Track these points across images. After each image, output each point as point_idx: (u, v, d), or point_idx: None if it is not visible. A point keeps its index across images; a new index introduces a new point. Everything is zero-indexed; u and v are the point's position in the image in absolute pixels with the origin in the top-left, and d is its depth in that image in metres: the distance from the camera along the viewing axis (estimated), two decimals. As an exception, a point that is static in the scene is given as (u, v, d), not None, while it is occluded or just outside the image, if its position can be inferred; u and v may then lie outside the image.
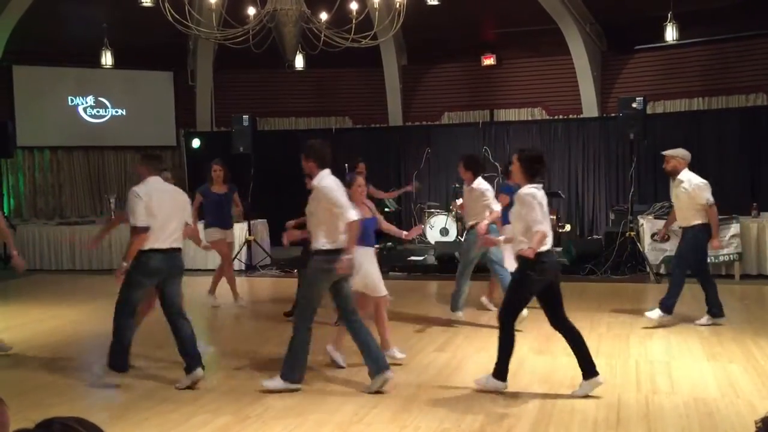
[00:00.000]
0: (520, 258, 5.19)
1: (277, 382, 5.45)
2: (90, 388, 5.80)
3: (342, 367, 6.01)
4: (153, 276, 5.68)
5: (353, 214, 5.40)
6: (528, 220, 5.13)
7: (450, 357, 6.31)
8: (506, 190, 8.06)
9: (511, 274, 5.44)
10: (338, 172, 14.99)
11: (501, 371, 5.35)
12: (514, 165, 5.37)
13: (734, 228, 9.90)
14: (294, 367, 5.48)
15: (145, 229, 5.53)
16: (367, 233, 6.11)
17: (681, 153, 7.33)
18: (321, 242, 5.45)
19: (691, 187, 7.17)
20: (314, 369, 6.09)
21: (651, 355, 6.31)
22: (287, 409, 5.11)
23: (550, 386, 5.49)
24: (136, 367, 6.32)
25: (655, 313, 7.23)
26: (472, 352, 6.21)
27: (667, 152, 7.41)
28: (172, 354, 6.60)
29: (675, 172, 7.27)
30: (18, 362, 6.49)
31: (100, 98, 14.82)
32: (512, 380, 5.64)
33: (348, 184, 6.07)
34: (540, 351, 6.52)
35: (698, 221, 7.17)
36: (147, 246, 5.58)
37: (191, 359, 5.65)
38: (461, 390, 5.45)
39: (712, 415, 4.79)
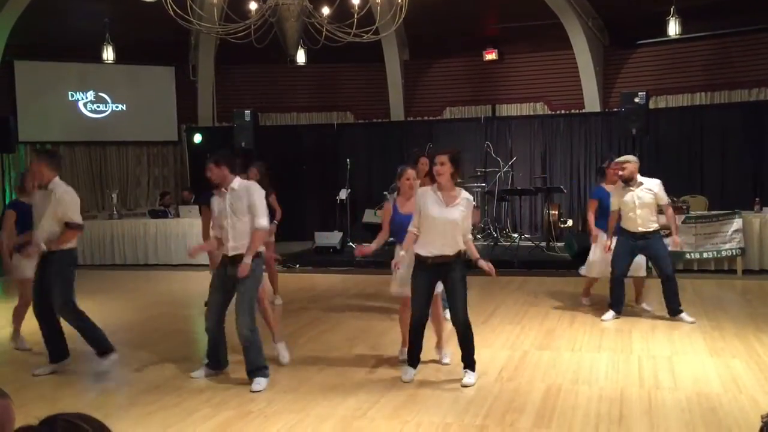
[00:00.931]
0: (462, 257, 5.38)
1: (262, 383, 5.50)
2: (100, 374, 5.82)
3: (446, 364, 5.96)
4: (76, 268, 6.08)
5: (265, 222, 5.59)
6: (468, 225, 5.38)
7: (452, 352, 6.30)
8: (599, 194, 7.88)
9: (458, 273, 5.38)
10: (341, 168, 14.98)
11: (474, 361, 5.54)
12: (445, 166, 5.30)
13: (737, 223, 9.90)
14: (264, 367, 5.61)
15: (82, 227, 5.96)
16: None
17: (633, 158, 7.45)
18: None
19: (656, 188, 7.25)
20: (317, 364, 6.10)
21: (653, 350, 6.31)
22: (289, 404, 5.12)
23: (553, 381, 5.49)
24: (138, 362, 6.34)
25: (689, 317, 7.28)
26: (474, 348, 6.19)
27: (622, 159, 7.46)
28: (174, 349, 6.63)
29: (632, 178, 7.28)
30: (19, 357, 6.50)
31: (100, 93, 14.80)
32: (515, 375, 5.66)
33: (398, 176, 5.96)
34: (541, 346, 6.53)
35: (658, 224, 7.32)
36: (75, 243, 5.98)
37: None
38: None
39: (715, 411, 4.79)
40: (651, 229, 7.29)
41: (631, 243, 7.32)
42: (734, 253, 9.93)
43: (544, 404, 4.97)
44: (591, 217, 7.93)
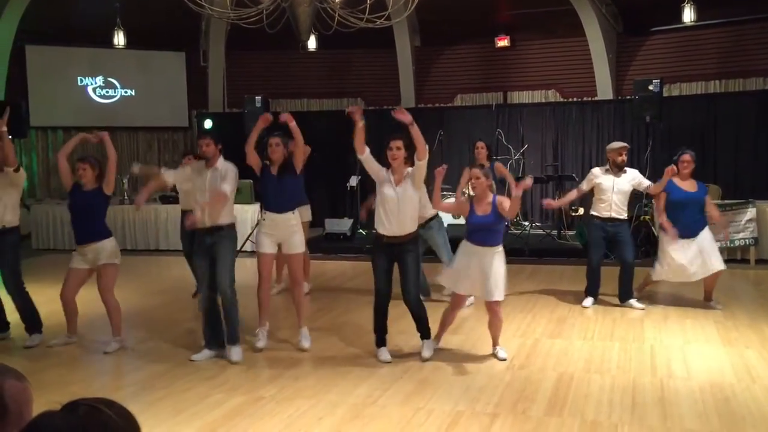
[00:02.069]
0: (415, 239, 5.71)
1: (240, 352, 5.85)
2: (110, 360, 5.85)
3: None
4: None
5: (227, 188, 5.86)
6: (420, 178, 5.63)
7: (463, 339, 6.30)
8: (668, 187, 7.17)
9: (412, 255, 5.66)
10: (351, 155, 14.90)
11: (428, 330, 5.83)
12: (401, 150, 5.57)
13: (750, 212, 9.80)
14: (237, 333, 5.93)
15: None
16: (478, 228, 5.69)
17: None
18: (232, 217, 5.99)
19: (632, 175, 7.35)
20: (327, 351, 6.10)
21: (666, 339, 6.27)
22: (301, 390, 5.12)
23: (564, 369, 5.47)
24: (149, 347, 6.36)
25: (639, 303, 7.38)
26: (486, 336, 6.16)
27: (624, 144, 7.46)
28: (185, 334, 6.64)
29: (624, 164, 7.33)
30: (23, 343, 6.51)
31: (109, 78, 14.79)
32: (526, 363, 5.64)
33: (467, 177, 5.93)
34: (553, 334, 6.50)
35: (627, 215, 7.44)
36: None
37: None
38: (475, 373, 5.44)
39: (728, 400, 4.76)
40: (624, 217, 7.34)
41: (602, 230, 7.38)
42: (747, 243, 9.85)
43: (556, 392, 4.96)
44: (662, 213, 7.17)
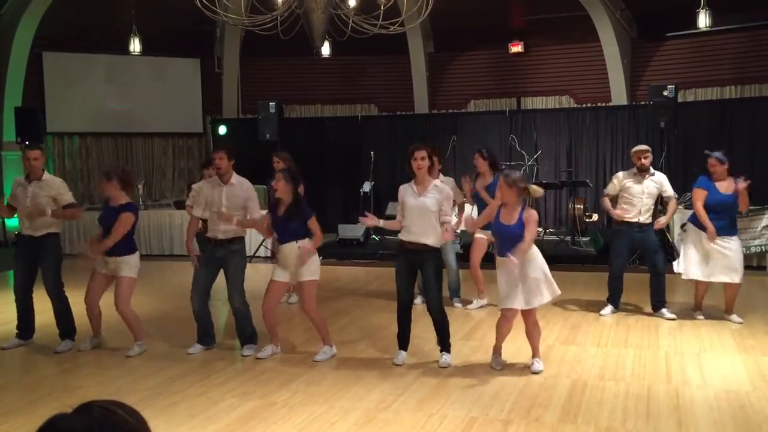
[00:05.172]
0: (437, 252, 5.73)
1: (253, 349, 6.24)
2: (122, 365, 5.89)
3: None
4: None
5: (258, 215, 6.24)
6: (446, 209, 5.71)
7: (476, 346, 6.28)
8: (706, 185, 7.11)
9: (433, 266, 5.69)
10: (364, 160, 14.85)
11: (449, 344, 5.89)
12: (425, 161, 5.64)
13: (766, 219, 9.72)
14: (254, 334, 6.32)
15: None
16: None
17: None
18: (244, 230, 6.32)
19: (659, 179, 7.34)
20: (341, 356, 6.10)
21: (681, 346, 6.23)
22: (314, 395, 5.12)
23: (578, 376, 5.44)
24: (162, 353, 6.39)
25: (669, 313, 7.25)
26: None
27: (645, 147, 7.42)
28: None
29: (649, 167, 7.30)
30: (44, 347, 6.56)
31: (125, 85, 14.89)
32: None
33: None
34: (566, 341, 6.47)
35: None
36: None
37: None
38: (488, 379, 5.42)
39: (744, 408, 4.72)
40: (649, 221, 7.30)
41: (628, 236, 7.30)
42: (763, 249, 9.76)
43: (570, 399, 4.93)
44: (701, 210, 6.95)
